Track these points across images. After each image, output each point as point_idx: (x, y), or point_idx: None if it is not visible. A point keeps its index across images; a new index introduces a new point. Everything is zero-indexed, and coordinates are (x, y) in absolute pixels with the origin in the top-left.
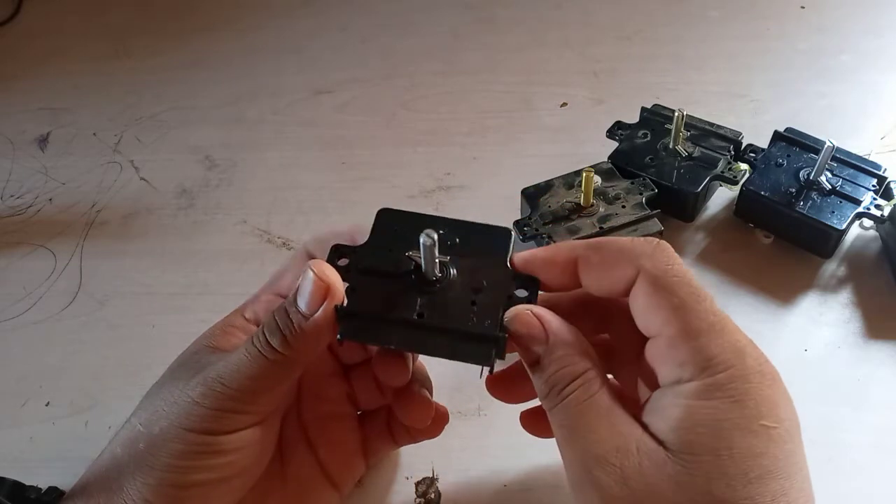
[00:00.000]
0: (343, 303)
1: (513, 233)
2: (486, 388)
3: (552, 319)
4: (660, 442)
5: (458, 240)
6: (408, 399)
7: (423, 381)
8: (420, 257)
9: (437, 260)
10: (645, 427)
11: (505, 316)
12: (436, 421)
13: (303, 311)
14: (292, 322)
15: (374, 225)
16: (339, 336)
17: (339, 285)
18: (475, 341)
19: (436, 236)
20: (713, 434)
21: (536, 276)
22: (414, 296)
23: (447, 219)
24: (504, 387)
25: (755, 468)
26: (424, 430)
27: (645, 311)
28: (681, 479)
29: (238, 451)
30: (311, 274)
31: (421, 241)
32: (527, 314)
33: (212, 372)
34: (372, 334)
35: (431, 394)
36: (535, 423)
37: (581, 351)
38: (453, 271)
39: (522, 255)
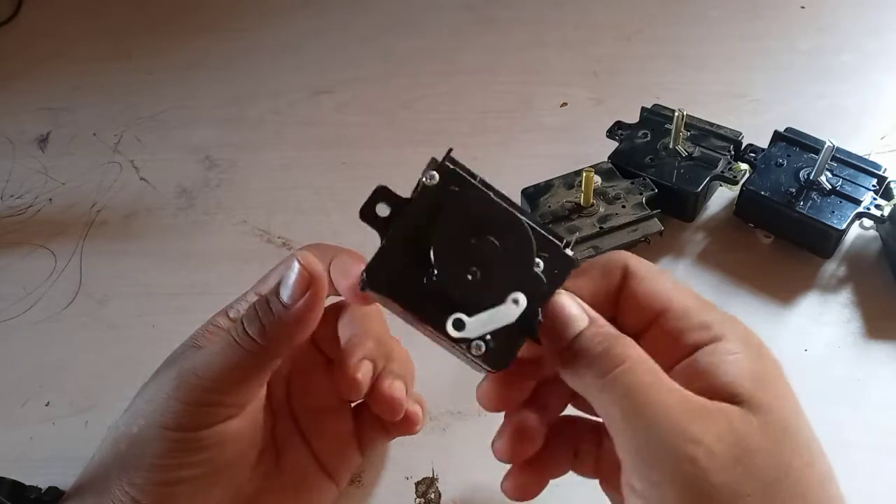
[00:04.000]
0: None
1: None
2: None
3: (589, 307)
4: (726, 399)
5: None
6: (379, 392)
7: (400, 376)
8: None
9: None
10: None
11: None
12: (408, 419)
13: (284, 302)
14: (272, 312)
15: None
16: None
17: (323, 279)
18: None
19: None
20: (762, 385)
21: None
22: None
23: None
24: (504, 388)
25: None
26: (401, 426)
27: (649, 292)
28: (767, 428)
29: (219, 447)
30: (296, 265)
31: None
32: (570, 294)
33: (186, 364)
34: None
35: (409, 389)
36: (525, 484)
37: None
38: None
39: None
